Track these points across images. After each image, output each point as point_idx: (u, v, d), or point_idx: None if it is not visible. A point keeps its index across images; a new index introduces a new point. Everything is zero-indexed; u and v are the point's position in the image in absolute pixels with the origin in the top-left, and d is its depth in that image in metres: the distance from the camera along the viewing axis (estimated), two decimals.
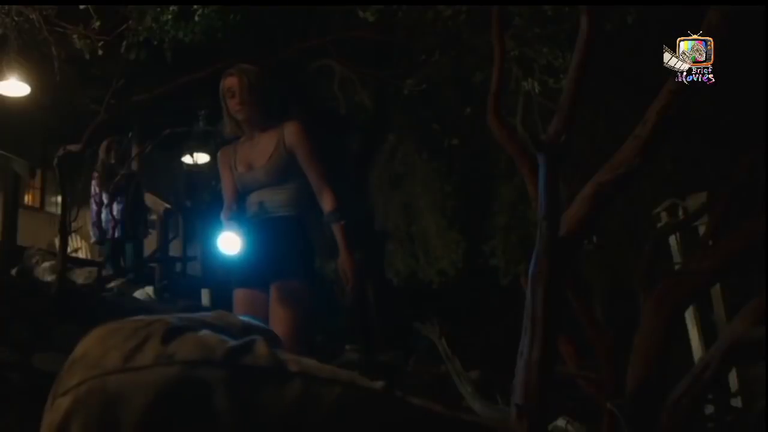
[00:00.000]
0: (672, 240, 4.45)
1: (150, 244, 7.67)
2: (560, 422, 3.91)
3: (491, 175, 8.91)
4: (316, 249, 2.85)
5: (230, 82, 2.80)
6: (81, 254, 9.24)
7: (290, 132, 2.79)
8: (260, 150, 2.83)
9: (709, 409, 3.42)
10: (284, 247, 2.73)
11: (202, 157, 10.40)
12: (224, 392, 1.08)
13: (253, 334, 1.22)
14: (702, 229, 3.67)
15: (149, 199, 7.60)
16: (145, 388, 1.06)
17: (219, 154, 3.00)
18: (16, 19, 5.32)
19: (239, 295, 2.82)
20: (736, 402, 3.68)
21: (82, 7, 5.20)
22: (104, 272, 5.96)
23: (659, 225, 4.68)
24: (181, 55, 5.93)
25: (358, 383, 1.19)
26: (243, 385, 1.10)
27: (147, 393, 1.06)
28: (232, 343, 1.16)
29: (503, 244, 8.73)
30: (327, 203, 2.77)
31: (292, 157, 2.77)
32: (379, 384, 1.21)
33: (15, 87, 7.72)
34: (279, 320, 2.60)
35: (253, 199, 2.83)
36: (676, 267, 3.61)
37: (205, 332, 1.17)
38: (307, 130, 2.83)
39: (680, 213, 4.54)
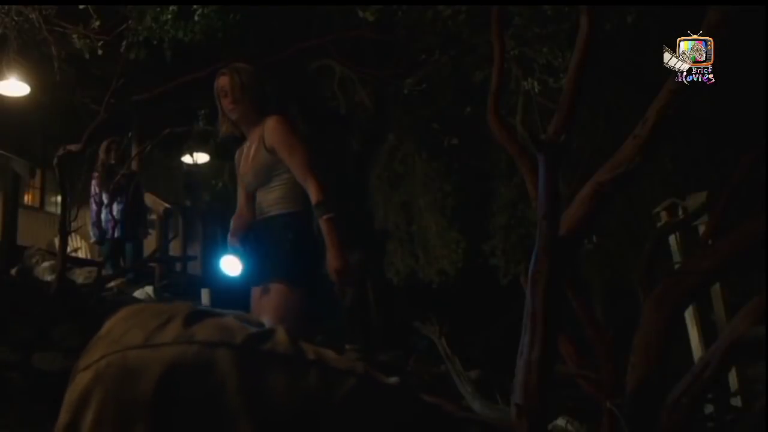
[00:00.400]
0: (672, 240, 4.44)
1: (150, 244, 7.66)
2: (560, 422, 3.90)
3: (491, 175, 8.92)
4: (315, 246, 2.69)
5: (223, 81, 2.76)
6: (81, 254, 9.24)
7: (268, 128, 2.67)
8: (249, 150, 2.78)
9: (709, 409, 3.43)
10: (270, 246, 2.66)
11: (202, 157, 10.39)
12: (240, 375, 1.09)
13: None
14: (702, 229, 3.66)
15: (149, 199, 7.59)
16: (161, 363, 1.07)
17: (236, 155, 2.93)
18: (16, 19, 5.32)
19: (254, 293, 2.77)
20: (736, 402, 3.67)
21: (82, 7, 5.21)
22: (104, 272, 5.95)
23: (659, 225, 4.67)
24: (181, 55, 5.92)
25: (373, 376, 1.20)
26: (259, 370, 1.11)
27: (162, 367, 1.06)
28: (254, 329, 1.17)
29: (503, 244, 8.74)
30: (313, 196, 2.59)
31: (274, 153, 2.66)
32: (393, 379, 1.23)
33: (15, 87, 7.72)
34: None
35: (257, 199, 2.80)
36: (676, 267, 3.60)
37: (228, 318, 1.19)
38: (286, 123, 2.69)
39: (680, 213, 4.52)
